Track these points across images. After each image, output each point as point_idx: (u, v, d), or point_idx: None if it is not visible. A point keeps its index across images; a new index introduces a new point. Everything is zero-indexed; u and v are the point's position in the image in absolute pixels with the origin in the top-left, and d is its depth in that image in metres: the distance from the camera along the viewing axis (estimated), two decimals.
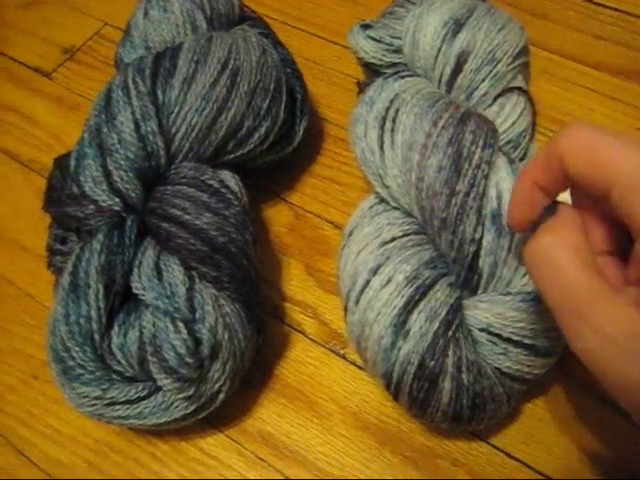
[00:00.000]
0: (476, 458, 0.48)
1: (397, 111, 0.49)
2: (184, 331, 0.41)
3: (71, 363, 0.43)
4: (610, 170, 0.28)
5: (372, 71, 0.58)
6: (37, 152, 0.67)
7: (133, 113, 0.47)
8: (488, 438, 0.48)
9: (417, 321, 0.42)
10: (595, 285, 0.28)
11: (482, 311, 0.43)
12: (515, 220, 0.35)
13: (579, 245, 0.29)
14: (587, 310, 0.27)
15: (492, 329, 0.43)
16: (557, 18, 0.73)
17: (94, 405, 0.43)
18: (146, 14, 0.56)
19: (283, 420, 0.50)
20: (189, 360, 0.41)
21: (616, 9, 0.73)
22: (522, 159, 0.51)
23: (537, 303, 0.42)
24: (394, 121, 0.48)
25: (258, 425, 0.50)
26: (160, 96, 0.49)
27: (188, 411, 0.44)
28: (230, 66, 0.50)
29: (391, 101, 0.50)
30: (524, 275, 0.44)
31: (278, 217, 0.60)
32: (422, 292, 0.43)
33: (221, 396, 0.45)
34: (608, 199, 0.29)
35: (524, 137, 0.51)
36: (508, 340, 0.43)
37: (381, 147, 0.49)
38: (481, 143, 0.44)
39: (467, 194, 0.43)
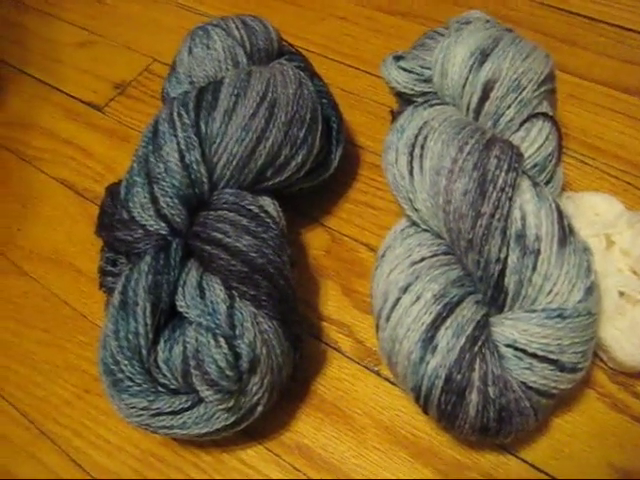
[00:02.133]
0: (505, 471, 0.49)
1: (425, 138, 0.51)
2: (225, 346, 0.44)
3: (120, 376, 0.46)
4: None
5: (404, 100, 0.61)
6: (91, 182, 0.71)
7: (178, 144, 0.51)
8: (517, 452, 0.50)
9: (444, 337, 0.44)
10: None
11: (508, 328, 0.45)
12: None
13: None
14: None
15: (518, 345, 0.44)
16: (586, 44, 0.75)
17: (141, 415, 0.46)
18: (190, 52, 0.60)
19: (319, 433, 0.52)
20: (229, 373, 0.44)
21: None
22: (548, 182, 0.52)
23: (562, 320, 0.44)
24: (423, 147, 0.51)
25: (295, 438, 0.52)
26: (203, 128, 0.52)
27: (228, 422, 0.47)
28: (268, 98, 0.54)
29: (420, 128, 0.53)
30: (549, 293, 0.45)
31: (316, 240, 0.63)
32: (449, 309, 0.45)
33: (259, 408, 0.48)
34: None
35: (550, 161, 0.52)
36: (533, 355, 0.44)
37: (410, 172, 0.51)
38: (505, 167, 0.46)
39: (492, 216, 0.45)
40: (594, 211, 0.57)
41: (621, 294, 0.52)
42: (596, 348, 0.51)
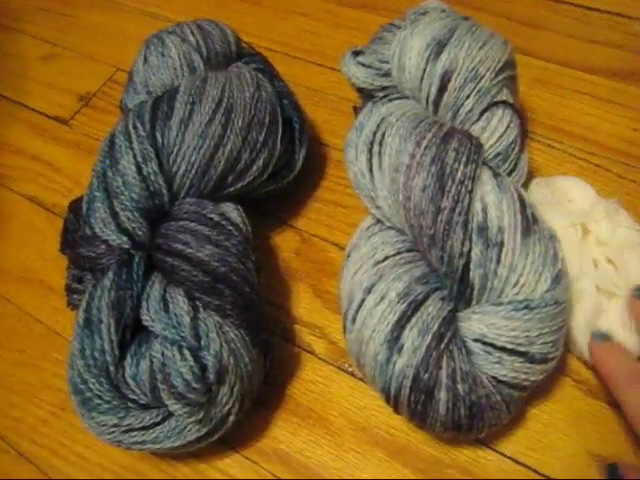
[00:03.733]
0: (484, 466, 0.49)
1: (383, 134, 0.51)
2: (190, 358, 0.44)
3: (89, 394, 0.46)
4: None
5: (365, 95, 0.61)
6: (59, 197, 0.71)
7: (135, 156, 0.50)
8: (495, 445, 0.50)
9: (410, 336, 0.43)
10: None
11: (475, 322, 0.45)
12: None
13: None
14: None
15: (486, 339, 0.44)
16: (550, 26, 0.74)
17: (112, 432, 0.46)
18: (146, 60, 0.59)
19: (296, 438, 0.52)
20: (196, 385, 0.43)
21: (608, 11, 0.74)
22: (512, 171, 0.52)
23: (529, 311, 0.44)
24: (381, 144, 0.51)
25: (273, 444, 0.52)
26: (159, 138, 0.52)
27: (201, 434, 0.46)
28: (224, 104, 0.53)
29: (378, 125, 0.52)
30: (515, 285, 0.45)
31: (285, 242, 0.63)
32: (414, 307, 0.44)
33: (231, 418, 0.47)
34: None
35: (513, 149, 0.52)
36: (502, 349, 0.44)
37: (370, 170, 0.51)
38: (464, 159, 0.46)
39: (452, 210, 0.45)
40: (567, 197, 0.57)
41: (598, 289, 0.51)
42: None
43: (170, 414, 0.46)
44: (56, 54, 0.86)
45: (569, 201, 0.56)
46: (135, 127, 0.52)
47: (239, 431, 0.51)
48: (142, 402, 0.47)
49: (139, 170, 0.50)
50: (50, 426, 0.56)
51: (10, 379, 0.59)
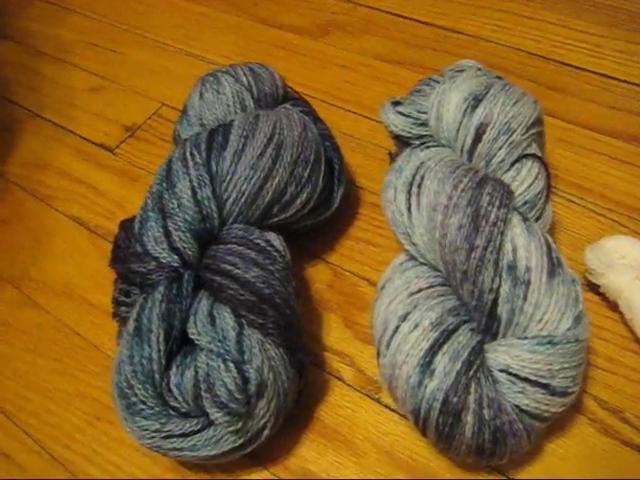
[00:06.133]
0: None
1: (422, 177, 0.55)
2: (234, 370, 0.47)
3: (134, 399, 0.49)
4: None
5: (402, 142, 0.65)
6: (102, 219, 0.75)
7: (191, 181, 0.54)
8: (512, 475, 0.52)
9: (441, 361, 0.46)
10: None
11: (501, 354, 0.48)
12: None
13: None
14: None
15: (511, 370, 0.47)
16: (574, 91, 0.80)
17: (153, 438, 0.49)
18: (201, 96, 0.64)
19: (323, 458, 0.55)
20: (238, 396, 0.46)
21: (626, 81, 0.79)
22: (538, 219, 0.56)
23: (552, 346, 0.47)
24: (420, 186, 0.55)
25: (299, 463, 0.55)
26: (214, 166, 0.56)
27: (236, 444, 0.49)
28: (275, 140, 0.57)
29: (417, 168, 0.56)
30: (539, 321, 0.48)
31: (318, 275, 0.66)
32: (446, 336, 0.48)
33: (266, 432, 0.50)
34: None
35: (539, 199, 0.56)
36: (526, 380, 0.47)
37: (408, 209, 0.55)
38: (497, 203, 0.50)
39: (485, 248, 0.48)
40: (619, 254, 0.60)
41: None
42: None
43: (209, 424, 0.49)
44: (104, 87, 0.91)
45: (622, 257, 0.60)
46: (192, 155, 0.56)
47: (268, 448, 0.54)
48: (183, 410, 0.50)
49: (194, 194, 0.54)
50: (84, 433, 0.58)
51: (47, 386, 0.62)
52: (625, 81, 0.80)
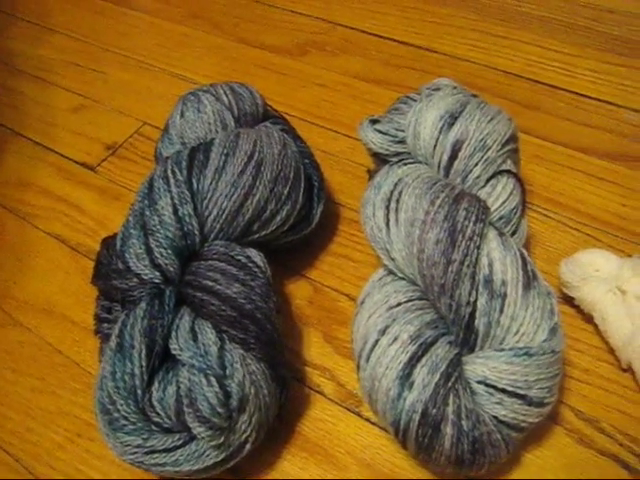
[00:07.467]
0: None
1: (400, 193, 0.56)
2: (216, 385, 0.47)
3: (116, 415, 0.49)
4: None
5: (380, 160, 0.66)
6: (83, 237, 0.75)
7: (172, 198, 0.55)
8: None
9: (420, 374, 0.47)
10: None
11: (479, 365, 0.49)
12: None
13: None
14: None
15: (488, 381, 0.48)
16: (548, 109, 0.82)
17: (135, 453, 0.49)
18: (182, 115, 0.65)
19: (304, 472, 0.55)
20: (220, 410, 0.47)
21: (598, 99, 0.82)
22: (514, 233, 0.57)
23: (528, 357, 0.48)
24: (398, 202, 0.56)
25: (281, 477, 0.55)
26: (195, 184, 0.56)
27: (218, 459, 0.49)
28: (255, 158, 0.58)
29: (395, 184, 0.57)
30: (515, 333, 0.49)
31: (299, 291, 0.67)
32: (424, 349, 0.48)
33: (248, 446, 0.50)
34: None
35: (515, 214, 0.57)
36: (503, 391, 0.48)
37: (387, 224, 0.56)
38: (473, 218, 0.51)
39: (462, 262, 0.49)
40: (593, 268, 0.61)
41: None
42: None
43: (191, 439, 0.49)
44: (85, 106, 0.92)
45: (596, 270, 0.61)
46: (174, 172, 0.57)
47: (249, 463, 0.54)
48: (165, 426, 0.50)
49: (175, 211, 0.55)
50: (66, 451, 0.58)
51: (28, 404, 0.62)
52: (597, 99, 0.82)
